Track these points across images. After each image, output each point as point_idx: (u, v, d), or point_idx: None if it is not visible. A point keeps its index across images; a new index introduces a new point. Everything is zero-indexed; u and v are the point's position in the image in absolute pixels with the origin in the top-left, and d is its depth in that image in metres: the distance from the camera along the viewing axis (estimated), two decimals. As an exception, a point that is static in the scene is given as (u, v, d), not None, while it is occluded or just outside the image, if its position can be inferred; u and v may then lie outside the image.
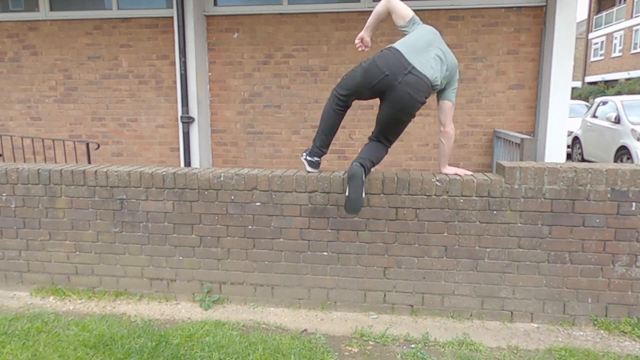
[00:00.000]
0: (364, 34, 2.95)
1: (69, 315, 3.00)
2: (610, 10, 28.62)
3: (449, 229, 2.90)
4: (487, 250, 2.89)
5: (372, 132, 2.88)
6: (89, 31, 6.16)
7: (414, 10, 2.81)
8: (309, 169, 2.98)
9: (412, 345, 2.65)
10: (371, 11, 2.88)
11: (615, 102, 9.96)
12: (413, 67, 2.52)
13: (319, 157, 2.96)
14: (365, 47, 2.99)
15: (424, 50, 2.60)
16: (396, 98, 2.56)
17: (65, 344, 2.60)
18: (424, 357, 2.53)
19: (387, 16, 2.88)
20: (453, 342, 2.68)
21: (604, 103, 10.60)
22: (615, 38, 27.73)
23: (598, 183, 2.75)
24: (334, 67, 5.82)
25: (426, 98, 2.61)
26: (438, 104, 2.85)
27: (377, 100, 2.74)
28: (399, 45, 2.64)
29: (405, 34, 2.76)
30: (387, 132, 2.81)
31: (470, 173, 2.93)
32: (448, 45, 2.77)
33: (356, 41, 2.98)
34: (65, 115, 6.38)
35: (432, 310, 2.99)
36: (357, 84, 2.69)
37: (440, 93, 2.79)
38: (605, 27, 28.95)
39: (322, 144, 2.92)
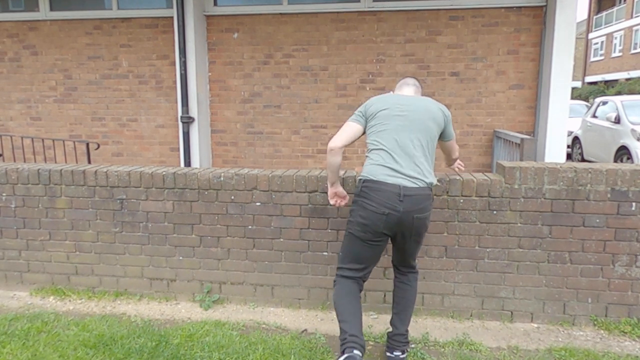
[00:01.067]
0: (335, 189, 2.58)
1: (69, 315, 3.00)
2: (610, 10, 28.61)
3: (448, 229, 2.90)
4: (487, 250, 2.89)
5: (393, 263, 2.56)
6: (89, 31, 6.16)
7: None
8: None
9: (412, 345, 2.64)
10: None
11: (615, 102, 9.95)
12: (404, 187, 2.23)
13: (361, 347, 2.20)
14: (344, 199, 2.64)
15: (405, 154, 2.28)
16: (407, 229, 2.30)
17: (65, 344, 2.60)
18: (424, 357, 2.53)
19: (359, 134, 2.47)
20: (453, 342, 2.68)
21: (604, 103, 10.59)
22: (615, 38, 27.72)
23: (598, 183, 2.75)
24: (334, 67, 5.82)
25: (431, 204, 2.37)
26: (441, 146, 2.62)
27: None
28: (375, 173, 2.30)
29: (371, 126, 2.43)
30: (409, 254, 2.48)
31: (463, 167, 2.99)
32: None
33: (331, 202, 2.61)
34: (65, 115, 6.38)
35: (432, 310, 2.99)
36: (363, 244, 2.34)
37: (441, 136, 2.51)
38: (605, 27, 28.94)
39: (352, 332, 2.24)
